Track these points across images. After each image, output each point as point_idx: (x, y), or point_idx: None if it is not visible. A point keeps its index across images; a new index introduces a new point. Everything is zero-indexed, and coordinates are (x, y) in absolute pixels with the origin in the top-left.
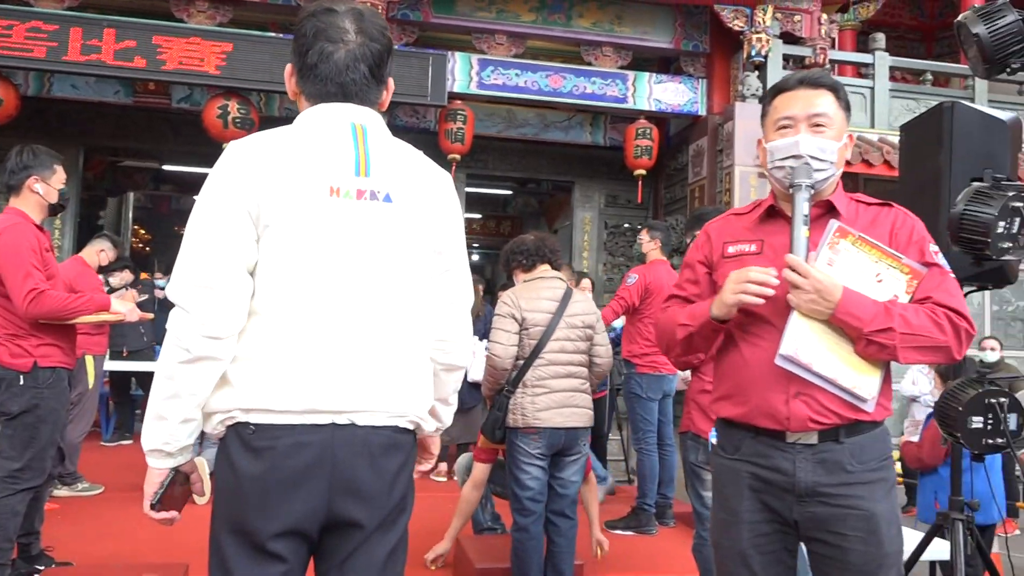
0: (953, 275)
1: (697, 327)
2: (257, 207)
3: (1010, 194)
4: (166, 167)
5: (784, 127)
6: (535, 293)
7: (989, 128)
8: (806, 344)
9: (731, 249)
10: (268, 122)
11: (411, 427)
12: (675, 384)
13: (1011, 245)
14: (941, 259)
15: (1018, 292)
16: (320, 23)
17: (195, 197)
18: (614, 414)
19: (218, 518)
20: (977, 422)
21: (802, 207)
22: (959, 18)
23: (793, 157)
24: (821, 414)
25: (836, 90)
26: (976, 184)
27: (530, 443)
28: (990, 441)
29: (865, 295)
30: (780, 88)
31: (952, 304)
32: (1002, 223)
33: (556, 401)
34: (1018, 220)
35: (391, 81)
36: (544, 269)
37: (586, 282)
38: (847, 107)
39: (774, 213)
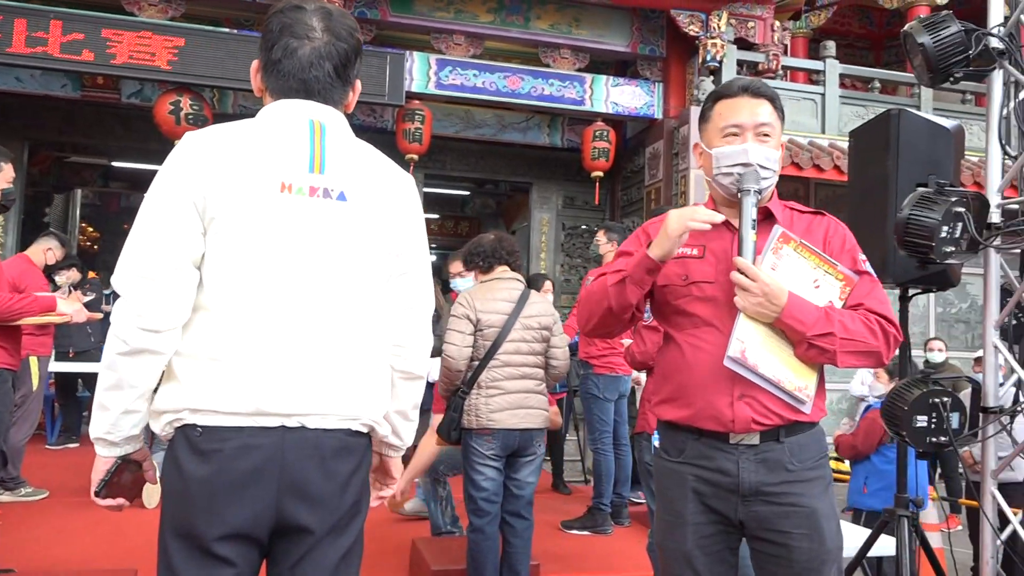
0: (880, 283)
1: (631, 269)
2: (203, 198)
3: (953, 199)
4: (115, 163)
5: (731, 134)
6: (491, 294)
7: (934, 135)
8: (752, 346)
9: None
10: (222, 119)
11: (365, 430)
12: (629, 385)
13: (954, 249)
14: (869, 267)
15: (961, 294)
16: (287, 19)
17: (145, 194)
18: (571, 415)
19: (165, 521)
20: (921, 421)
21: (750, 212)
22: (905, 28)
23: (741, 165)
24: (764, 415)
25: (774, 100)
26: (921, 190)
27: (484, 444)
28: (934, 439)
29: (807, 300)
30: (721, 94)
31: (882, 311)
32: (945, 228)
33: (510, 402)
34: (960, 225)
35: (358, 83)
36: (502, 270)
37: (547, 284)
38: (782, 116)
39: None
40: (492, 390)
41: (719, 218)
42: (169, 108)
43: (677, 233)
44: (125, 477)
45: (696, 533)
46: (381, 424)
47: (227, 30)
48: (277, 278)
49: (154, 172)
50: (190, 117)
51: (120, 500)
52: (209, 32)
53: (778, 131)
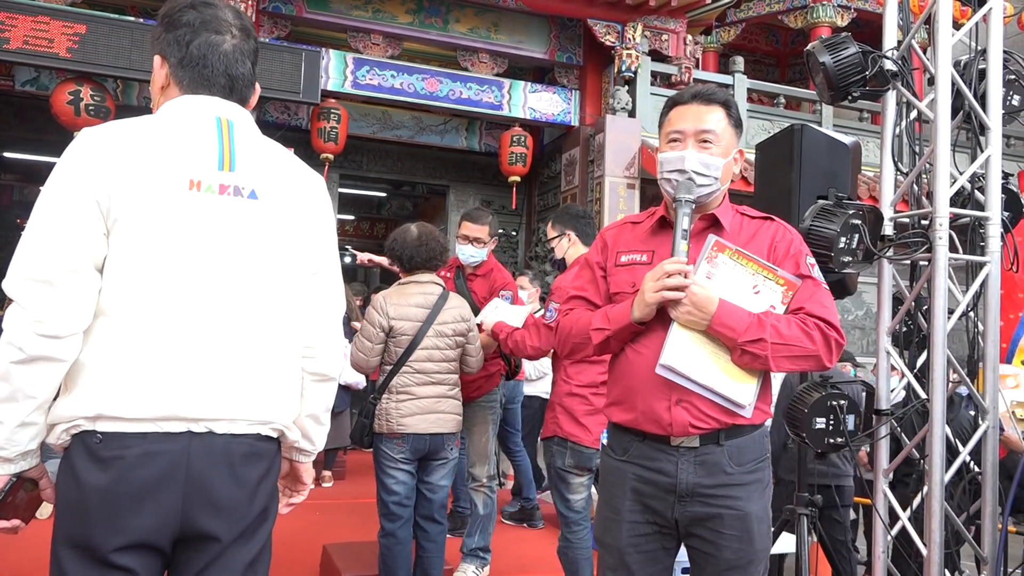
0: (827, 287)
1: (615, 331)
2: (108, 198)
3: (850, 212)
4: (7, 154)
5: (674, 140)
6: (405, 299)
7: (834, 150)
8: (686, 354)
9: (624, 258)
10: (126, 111)
11: (275, 435)
12: (523, 390)
13: (851, 259)
14: (816, 272)
15: (857, 302)
16: (203, 15)
17: (41, 188)
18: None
19: (59, 532)
20: (820, 423)
21: (682, 222)
22: (808, 47)
23: (678, 171)
24: (701, 419)
25: (728, 107)
26: (821, 202)
27: (394, 448)
28: (831, 440)
29: (740, 307)
30: (676, 101)
31: (823, 315)
32: (843, 238)
33: (421, 407)
34: (857, 236)
35: (257, 83)
36: (420, 272)
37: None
38: (738, 124)
39: (665, 224)
40: (403, 396)
41: (690, 269)
42: (68, 98)
43: (656, 302)
44: (20, 496)
45: (631, 531)
46: (291, 429)
47: (132, 18)
48: (184, 279)
49: (51, 165)
50: (91, 109)
51: (15, 522)
52: (113, 20)
53: (727, 139)
